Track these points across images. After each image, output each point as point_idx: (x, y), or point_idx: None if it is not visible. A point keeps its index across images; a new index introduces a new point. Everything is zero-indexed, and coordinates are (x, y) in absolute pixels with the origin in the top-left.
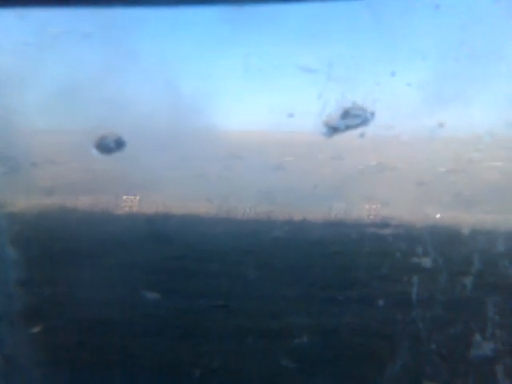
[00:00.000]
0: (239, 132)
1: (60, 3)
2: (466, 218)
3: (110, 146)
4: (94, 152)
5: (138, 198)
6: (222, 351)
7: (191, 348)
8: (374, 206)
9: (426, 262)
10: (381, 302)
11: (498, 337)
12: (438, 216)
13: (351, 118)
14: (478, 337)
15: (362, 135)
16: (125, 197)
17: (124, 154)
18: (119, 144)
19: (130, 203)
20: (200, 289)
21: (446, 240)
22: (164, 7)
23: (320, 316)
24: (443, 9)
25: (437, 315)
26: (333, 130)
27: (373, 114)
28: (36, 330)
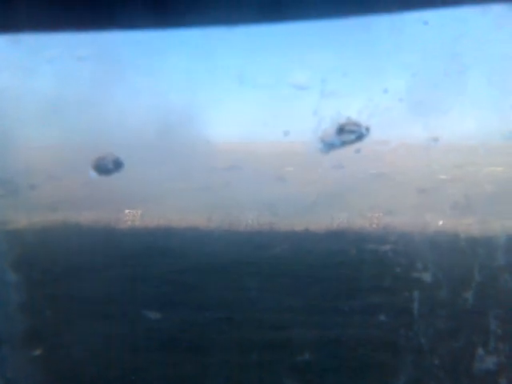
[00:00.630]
0: (239, 144)
1: (53, 28)
2: (468, 225)
3: (108, 166)
4: (93, 174)
5: (139, 212)
6: (227, 364)
7: (195, 361)
8: (377, 215)
9: (430, 271)
10: (385, 312)
11: (500, 350)
12: (441, 223)
13: (346, 134)
14: (480, 349)
15: (358, 150)
16: (127, 211)
17: (123, 173)
18: (117, 164)
19: (132, 217)
20: (203, 301)
21: (449, 247)
22: (158, 29)
23: (324, 327)
24: (432, 24)
25: (441, 325)
26: (329, 145)
27: (368, 129)
28: (39, 351)
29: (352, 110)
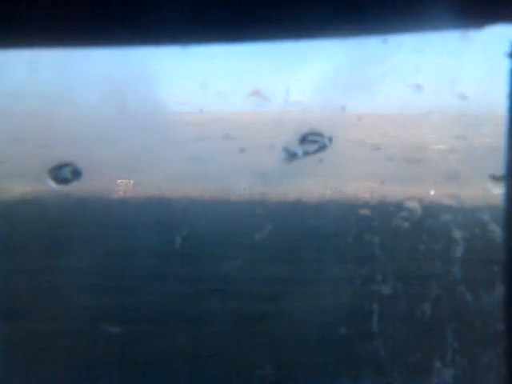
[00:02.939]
0: (232, 113)
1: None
2: (459, 194)
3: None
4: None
5: (132, 181)
6: (220, 335)
7: (188, 333)
8: (371, 185)
9: (426, 239)
10: (379, 281)
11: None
12: (432, 193)
13: (309, 144)
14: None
15: (320, 160)
16: (119, 181)
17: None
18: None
19: (125, 187)
20: (196, 273)
21: (441, 217)
22: (117, 47)
23: (317, 297)
24: (391, 42)
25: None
26: (291, 155)
27: (331, 139)
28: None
29: (315, 120)
